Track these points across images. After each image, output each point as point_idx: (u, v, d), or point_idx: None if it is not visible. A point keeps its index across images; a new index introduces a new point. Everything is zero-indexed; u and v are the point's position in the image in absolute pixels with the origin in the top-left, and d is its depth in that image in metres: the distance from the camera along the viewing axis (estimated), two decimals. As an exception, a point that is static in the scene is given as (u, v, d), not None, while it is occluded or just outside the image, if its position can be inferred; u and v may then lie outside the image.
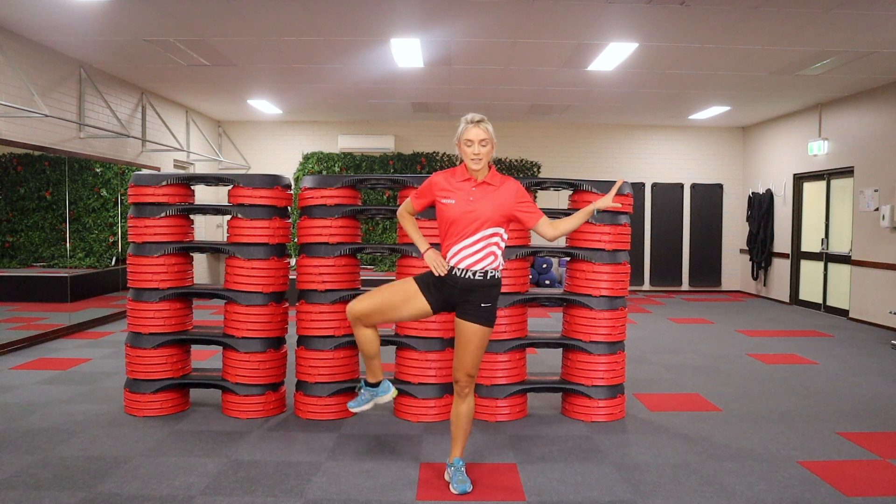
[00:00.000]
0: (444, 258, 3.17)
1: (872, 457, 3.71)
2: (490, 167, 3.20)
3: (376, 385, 3.38)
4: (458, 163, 3.25)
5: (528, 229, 3.33)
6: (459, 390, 3.21)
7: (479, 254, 3.11)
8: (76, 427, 4.06)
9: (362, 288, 4.30)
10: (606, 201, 3.22)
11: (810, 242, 9.96)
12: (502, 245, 3.19)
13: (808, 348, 6.78)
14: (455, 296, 3.16)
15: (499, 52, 6.85)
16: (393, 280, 3.34)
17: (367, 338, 3.27)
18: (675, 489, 3.24)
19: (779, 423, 4.31)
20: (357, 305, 3.21)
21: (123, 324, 7.67)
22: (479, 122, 3.10)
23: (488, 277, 3.14)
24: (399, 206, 3.50)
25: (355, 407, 3.40)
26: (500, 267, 3.19)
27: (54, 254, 7.55)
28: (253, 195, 4.19)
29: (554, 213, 4.43)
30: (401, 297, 3.20)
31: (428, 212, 3.88)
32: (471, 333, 3.14)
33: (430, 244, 3.29)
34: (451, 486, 3.21)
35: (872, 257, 8.32)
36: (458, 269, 3.12)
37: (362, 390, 3.40)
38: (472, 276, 3.11)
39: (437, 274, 3.15)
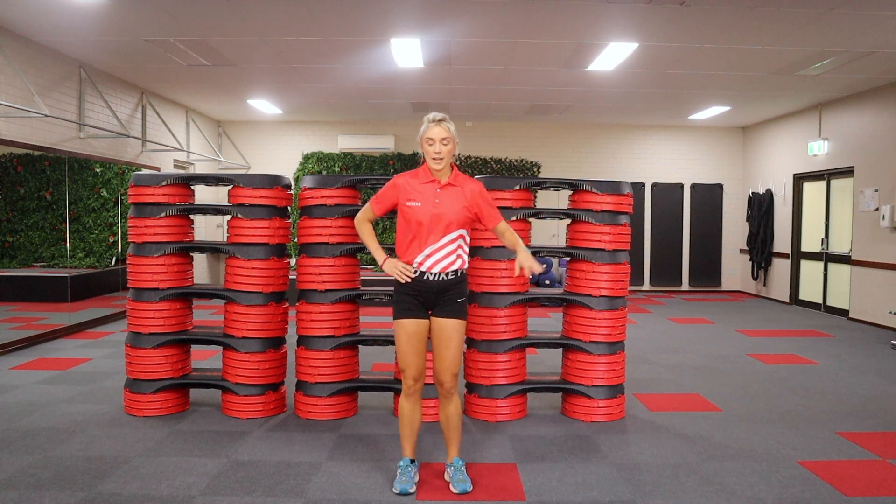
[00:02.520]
0: (411, 262, 3.14)
1: (872, 457, 3.71)
2: (452, 167, 3.22)
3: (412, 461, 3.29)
4: (422, 162, 3.25)
5: (488, 230, 3.34)
6: (445, 392, 3.20)
7: (449, 256, 3.14)
8: (76, 427, 4.06)
9: (362, 288, 4.30)
10: (528, 262, 3.13)
11: (810, 242, 9.96)
12: (466, 245, 3.23)
13: (808, 348, 6.78)
14: (430, 298, 3.16)
15: (499, 52, 6.85)
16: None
17: (413, 412, 3.23)
18: (675, 489, 3.24)
19: (779, 423, 4.31)
20: (406, 377, 3.16)
21: (123, 324, 7.67)
22: (440, 120, 3.13)
23: (459, 275, 3.20)
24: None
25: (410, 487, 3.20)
26: (466, 265, 3.24)
27: (54, 254, 7.55)
28: (253, 195, 4.19)
29: (554, 213, 4.44)
30: (408, 339, 3.15)
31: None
32: (451, 330, 3.15)
33: (387, 253, 3.29)
34: (451, 486, 3.21)
35: (872, 257, 8.32)
36: (431, 273, 3.12)
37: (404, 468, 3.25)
38: (445, 278, 3.14)
39: (402, 281, 3.13)
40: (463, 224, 3.18)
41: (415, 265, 3.14)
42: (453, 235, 3.14)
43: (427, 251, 3.12)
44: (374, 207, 3.29)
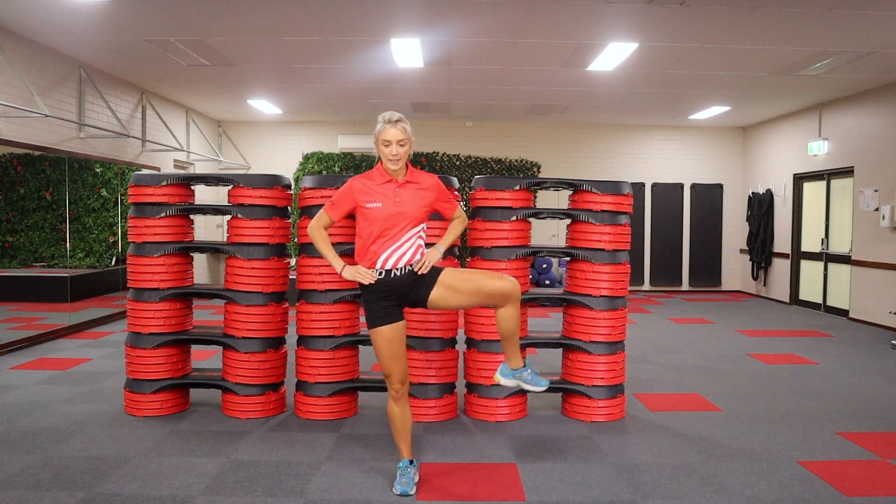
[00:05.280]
0: (374, 264, 3.13)
1: (872, 457, 3.71)
2: (407, 165, 3.20)
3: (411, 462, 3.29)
4: (377, 162, 3.23)
5: (447, 218, 3.42)
6: (516, 299, 3.15)
7: (410, 250, 3.15)
8: (76, 427, 4.06)
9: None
10: (430, 258, 3.18)
11: (810, 242, 9.96)
12: (424, 236, 3.25)
13: (808, 348, 6.78)
14: (405, 292, 3.16)
15: (499, 52, 6.85)
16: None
17: (400, 414, 3.23)
18: (675, 489, 3.24)
19: (779, 423, 4.31)
20: (392, 382, 3.16)
21: (123, 324, 7.67)
22: (396, 121, 3.09)
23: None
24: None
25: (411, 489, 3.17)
26: (423, 248, 3.25)
27: (54, 254, 7.55)
28: (253, 195, 4.19)
29: (554, 213, 4.44)
30: (388, 345, 3.14)
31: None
32: (451, 278, 3.16)
33: (344, 261, 3.28)
34: (538, 385, 3.35)
35: (872, 257, 8.32)
36: (397, 269, 3.12)
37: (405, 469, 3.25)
38: (410, 268, 3.15)
39: (366, 283, 3.12)
40: (423, 219, 3.20)
41: (378, 266, 3.12)
42: (414, 231, 3.16)
43: (390, 250, 3.11)
44: (330, 213, 3.24)
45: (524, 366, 3.34)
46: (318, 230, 3.28)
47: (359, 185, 3.17)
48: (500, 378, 3.40)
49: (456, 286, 3.16)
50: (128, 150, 8.43)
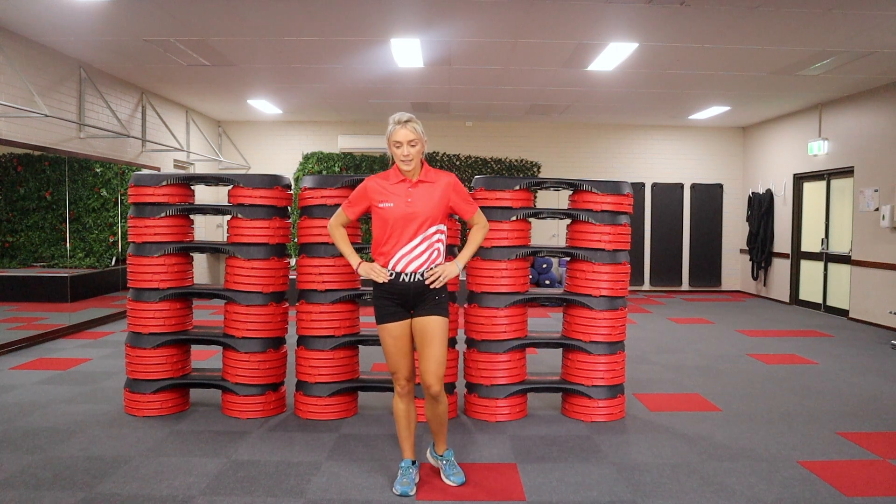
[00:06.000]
0: (387, 264, 3.11)
1: (872, 457, 3.71)
2: (423, 164, 3.18)
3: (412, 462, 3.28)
4: (391, 163, 3.19)
5: (466, 220, 3.33)
6: (433, 395, 3.14)
7: (423, 255, 3.10)
8: (76, 427, 4.06)
9: (362, 288, 4.30)
10: (448, 272, 3.13)
11: (810, 242, 9.96)
12: (444, 239, 3.19)
13: (808, 348, 6.78)
14: (410, 299, 3.13)
15: (499, 52, 6.85)
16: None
17: (405, 412, 3.24)
18: (675, 489, 3.24)
19: (779, 423, 4.31)
20: (398, 378, 3.18)
21: (123, 324, 7.67)
22: (406, 122, 3.06)
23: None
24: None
25: (410, 490, 3.16)
26: (443, 258, 3.19)
27: (54, 254, 7.55)
28: (253, 195, 4.19)
29: (554, 213, 4.44)
30: (395, 342, 3.14)
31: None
32: (433, 326, 3.10)
33: (360, 258, 3.26)
34: (446, 480, 3.27)
35: (872, 257, 8.32)
36: (406, 274, 3.09)
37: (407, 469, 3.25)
38: (421, 279, 3.10)
39: (380, 281, 3.10)
40: (438, 219, 3.14)
41: (389, 268, 3.10)
42: (429, 232, 3.10)
43: (401, 252, 3.09)
44: (346, 211, 3.26)
45: (442, 455, 3.33)
46: (336, 228, 3.30)
47: (373, 184, 3.17)
48: (427, 454, 3.46)
49: (427, 333, 3.11)
50: (128, 150, 8.43)
